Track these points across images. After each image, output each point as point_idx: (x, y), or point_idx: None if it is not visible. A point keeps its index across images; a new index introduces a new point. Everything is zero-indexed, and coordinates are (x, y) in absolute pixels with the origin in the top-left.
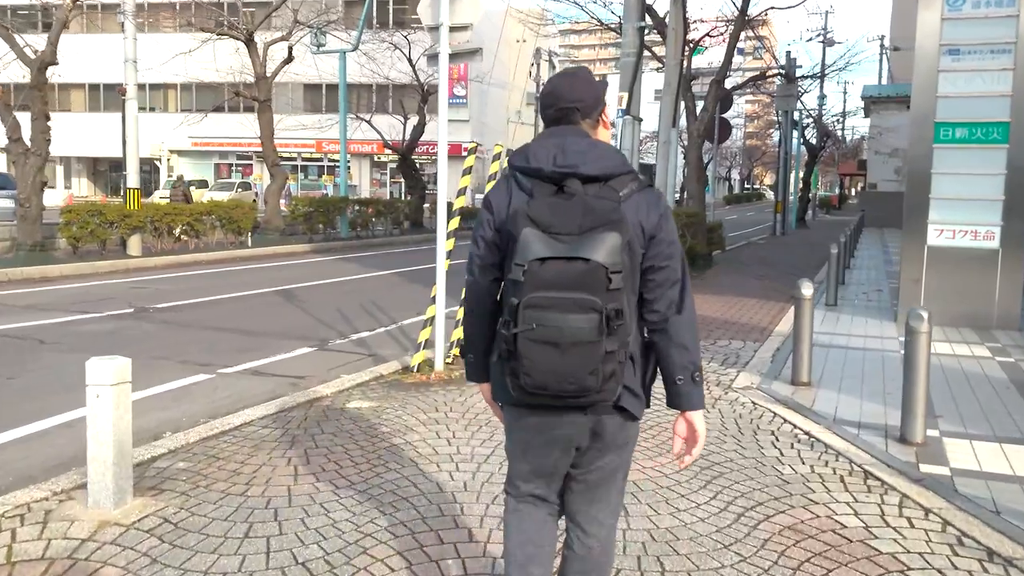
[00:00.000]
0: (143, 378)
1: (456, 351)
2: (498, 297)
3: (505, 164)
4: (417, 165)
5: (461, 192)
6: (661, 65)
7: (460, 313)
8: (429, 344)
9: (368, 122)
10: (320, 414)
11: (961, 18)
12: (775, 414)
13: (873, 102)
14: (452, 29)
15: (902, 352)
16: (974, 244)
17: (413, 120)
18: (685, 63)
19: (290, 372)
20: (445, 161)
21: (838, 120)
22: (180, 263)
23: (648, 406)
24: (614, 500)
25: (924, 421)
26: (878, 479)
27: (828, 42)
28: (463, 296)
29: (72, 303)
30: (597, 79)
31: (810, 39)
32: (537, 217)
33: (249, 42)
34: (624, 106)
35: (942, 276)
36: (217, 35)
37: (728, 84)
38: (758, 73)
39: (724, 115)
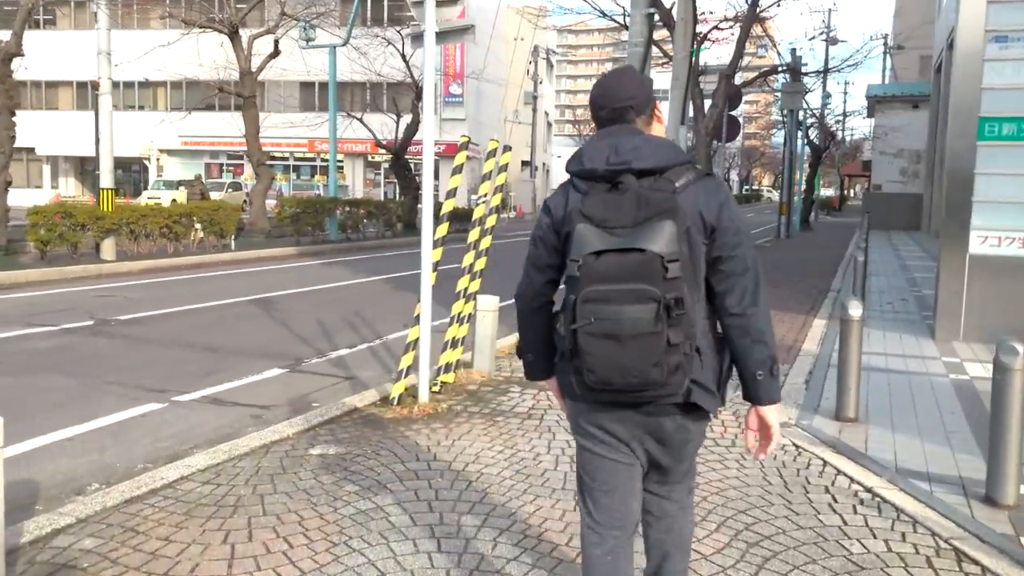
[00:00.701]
0: (83, 409)
1: (443, 377)
2: (553, 298)
3: (501, 161)
4: (411, 165)
5: (451, 194)
6: (668, 60)
7: (449, 333)
8: (413, 368)
9: (360, 120)
10: (276, 464)
11: (1010, 0)
12: (825, 462)
13: (878, 101)
14: (439, 3)
15: (951, 377)
16: (1023, 253)
17: (407, 119)
18: (693, 57)
19: (254, 400)
20: (431, 158)
21: (838, 120)
22: (157, 268)
23: (723, 404)
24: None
25: (1018, 480)
26: (976, 562)
27: (831, 40)
28: (515, 295)
29: (28, 314)
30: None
31: (813, 37)
32: (590, 213)
33: (233, 35)
34: None
35: (985, 288)
36: (199, 28)
37: (735, 81)
38: (768, 68)
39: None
